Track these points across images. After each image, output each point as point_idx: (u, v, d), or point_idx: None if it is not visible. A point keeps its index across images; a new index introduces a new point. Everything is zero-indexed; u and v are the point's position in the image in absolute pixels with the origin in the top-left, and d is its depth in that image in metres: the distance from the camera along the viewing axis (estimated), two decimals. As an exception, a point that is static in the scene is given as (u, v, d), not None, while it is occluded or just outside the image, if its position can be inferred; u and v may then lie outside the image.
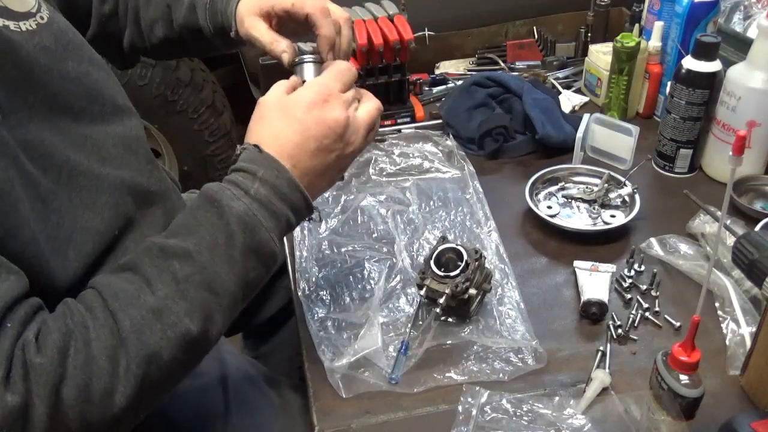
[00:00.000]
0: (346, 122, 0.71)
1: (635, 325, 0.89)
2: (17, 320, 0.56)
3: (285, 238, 1.06)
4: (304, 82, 0.77)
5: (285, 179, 0.68)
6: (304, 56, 0.79)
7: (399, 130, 1.29)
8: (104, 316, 0.59)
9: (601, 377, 0.80)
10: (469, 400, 0.78)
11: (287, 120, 0.70)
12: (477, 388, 0.79)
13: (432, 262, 0.88)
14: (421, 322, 0.89)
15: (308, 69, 0.79)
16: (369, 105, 0.75)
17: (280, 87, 0.74)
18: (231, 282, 0.64)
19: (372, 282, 0.95)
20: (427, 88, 1.45)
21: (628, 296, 0.93)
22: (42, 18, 0.71)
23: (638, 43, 1.21)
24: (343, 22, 0.83)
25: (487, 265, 0.90)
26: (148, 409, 0.63)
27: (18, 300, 0.57)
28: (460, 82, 1.41)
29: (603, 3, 1.45)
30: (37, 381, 0.54)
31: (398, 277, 0.95)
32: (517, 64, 1.50)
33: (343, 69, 0.75)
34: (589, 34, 1.48)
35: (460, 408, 0.78)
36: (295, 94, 0.72)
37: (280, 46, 0.81)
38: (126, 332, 0.58)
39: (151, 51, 0.98)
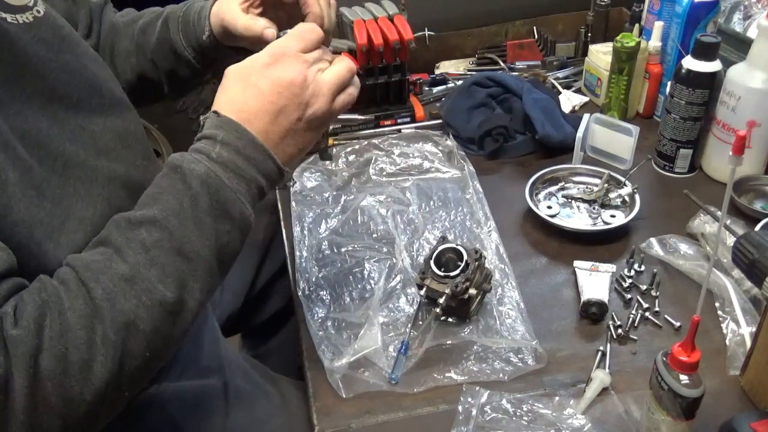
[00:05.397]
0: (303, 82, 0.68)
1: (635, 325, 0.89)
2: None
3: (285, 238, 1.06)
4: None
5: (247, 140, 0.66)
6: (287, 30, 0.75)
7: (399, 130, 1.29)
8: (77, 286, 0.59)
9: (601, 377, 0.80)
10: (469, 400, 0.78)
11: (243, 84, 0.69)
12: (477, 388, 0.79)
13: (432, 262, 0.88)
14: (421, 322, 0.89)
15: None
16: (337, 66, 0.72)
17: (251, 57, 0.72)
18: (202, 246, 0.63)
19: (372, 282, 0.95)
20: (427, 88, 1.45)
21: (628, 296, 0.93)
22: (38, 12, 0.71)
23: (638, 43, 1.21)
24: (327, 4, 0.82)
25: (487, 265, 0.90)
26: (134, 387, 0.62)
27: (2, 276, 0.57)
28: (460, 82, 1.41)
29: (603, 3, 1.45)
30: (14, 353, 0.54)
31: (398, 277, 0.95)
32: (517, 64, 1.50)
33: (304, 29, 0.72)
34: (589, 34, 1.48)
35: (460, 408, 0.78)
36: (250, 57, 0.70)
37: (259, 23, 0.78)
38: (99, 300, 0.58)
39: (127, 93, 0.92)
